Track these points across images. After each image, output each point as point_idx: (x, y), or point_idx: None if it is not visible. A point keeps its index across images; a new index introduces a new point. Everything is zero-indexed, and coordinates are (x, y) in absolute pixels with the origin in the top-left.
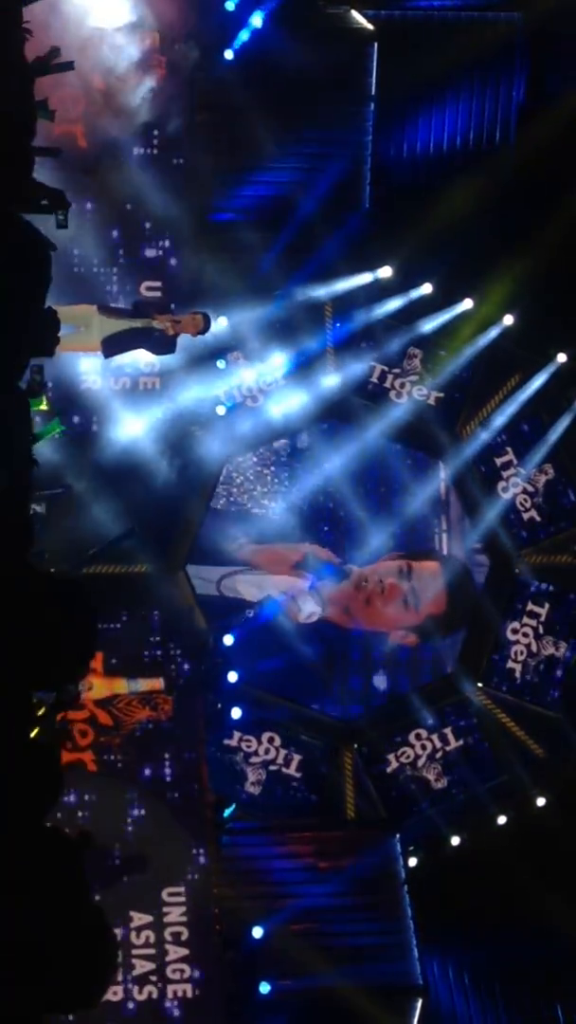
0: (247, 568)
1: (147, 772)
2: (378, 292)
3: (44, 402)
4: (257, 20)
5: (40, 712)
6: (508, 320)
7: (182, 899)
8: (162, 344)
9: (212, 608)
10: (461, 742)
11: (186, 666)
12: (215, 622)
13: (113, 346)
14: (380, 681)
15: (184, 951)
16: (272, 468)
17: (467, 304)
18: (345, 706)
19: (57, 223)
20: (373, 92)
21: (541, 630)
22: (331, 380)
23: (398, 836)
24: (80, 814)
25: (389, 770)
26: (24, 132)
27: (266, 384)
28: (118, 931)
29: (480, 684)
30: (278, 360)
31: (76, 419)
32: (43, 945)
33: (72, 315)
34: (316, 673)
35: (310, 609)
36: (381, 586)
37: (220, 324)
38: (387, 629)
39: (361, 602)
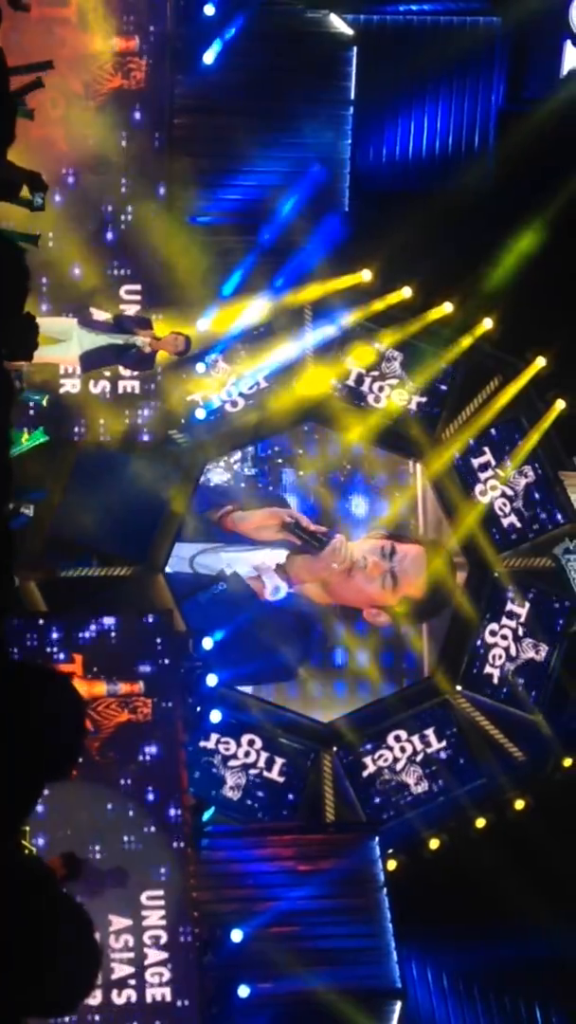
0: (223, 545)
1: (126, 775)
2: (358, 295)
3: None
4: (235, 25)
5: None
6: (488, 323)
7: (161, 903)
8: (140, 360)
9: (182, 586)
10: (440, 745)
11: (165, 669)
12: (182, 600)
13: (91, 361)
14: (359, 686)
15: (163, 955)
16: (251, 471)
17: (447, 307)
18: (324, 709)
19: (35, 206)
20: (352, 96)
21: (520, 633)
22: (311, 383)
23: (377, 839)
24: (59, 818)
25: (368, 773)
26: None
27: (246, 387)
28: (97, 935)
29: (459, 687)
30: (258, 363)
31: (56, 423)
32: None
33: (52, 328)
34: (294, 672)
35: (275, 584)
36: (364, 562)
37: (200, 327)
38: (362, 606)
39: (343, 573)
